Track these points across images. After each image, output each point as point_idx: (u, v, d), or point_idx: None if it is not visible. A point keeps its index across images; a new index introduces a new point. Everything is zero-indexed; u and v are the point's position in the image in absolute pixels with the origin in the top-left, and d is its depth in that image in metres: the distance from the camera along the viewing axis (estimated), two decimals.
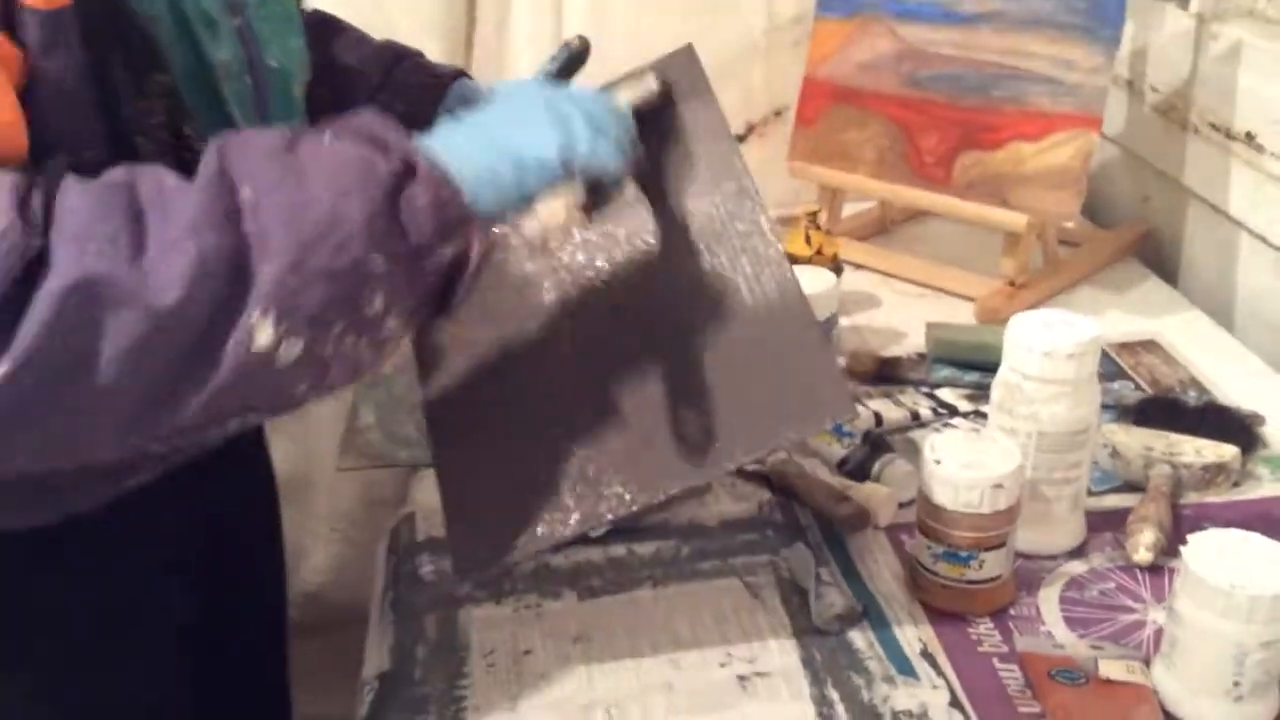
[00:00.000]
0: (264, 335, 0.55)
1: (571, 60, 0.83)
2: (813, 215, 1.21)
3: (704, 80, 0.80)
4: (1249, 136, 1.21)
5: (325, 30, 0.93)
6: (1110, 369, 1.11)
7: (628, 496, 0.74)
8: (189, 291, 0.53)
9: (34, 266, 0.52)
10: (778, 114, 1.60)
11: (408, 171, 0.60)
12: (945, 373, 1.11)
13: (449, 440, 0.82)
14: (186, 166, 0.65)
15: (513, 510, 0.76)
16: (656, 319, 0.78)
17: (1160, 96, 1.37)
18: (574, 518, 0.74)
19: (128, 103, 0.63)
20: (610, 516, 0.74)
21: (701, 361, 0.75)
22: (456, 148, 0.63)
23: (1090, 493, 0.91)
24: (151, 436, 0.58)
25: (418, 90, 0.93)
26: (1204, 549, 0.70)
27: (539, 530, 0.75)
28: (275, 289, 0.55)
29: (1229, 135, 1.24)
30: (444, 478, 0.81)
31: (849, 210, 1.46)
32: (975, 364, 1.09)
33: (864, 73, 1.36)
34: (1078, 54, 1.20)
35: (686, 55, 0.81)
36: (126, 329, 0.53)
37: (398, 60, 0.95)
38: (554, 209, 0.66)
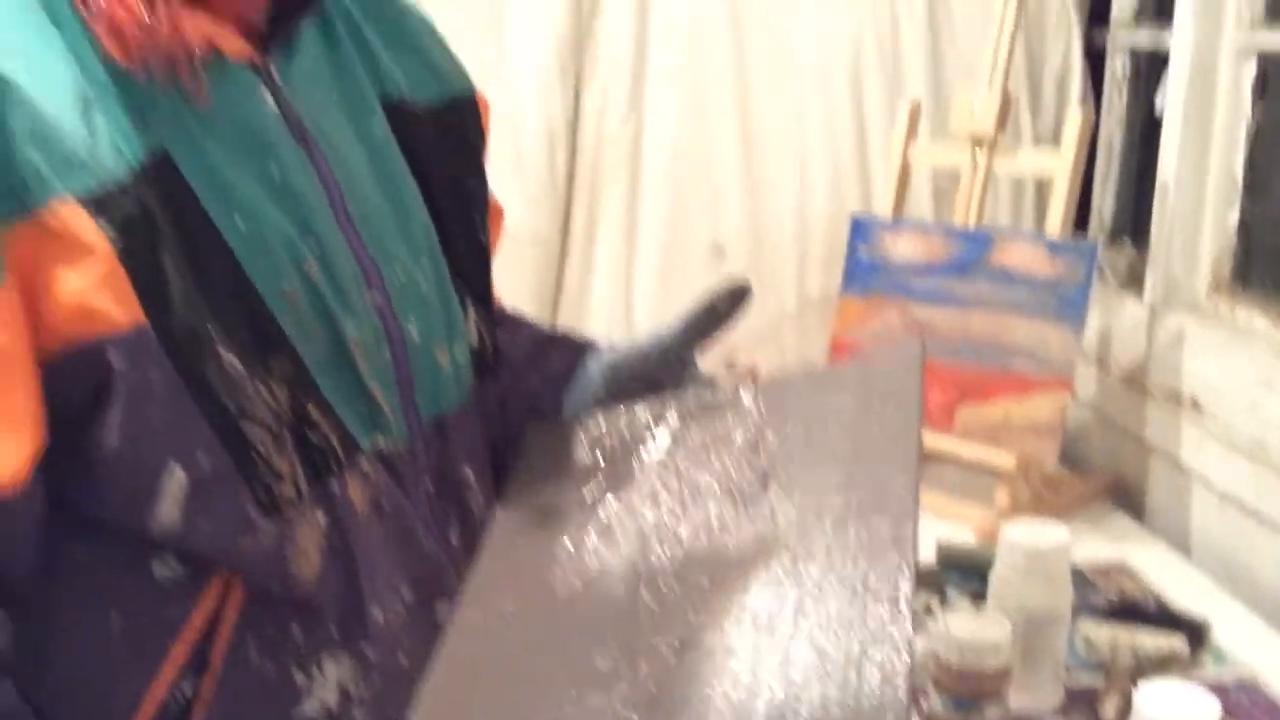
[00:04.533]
0: None
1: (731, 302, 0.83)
2: None
3: (914, 385, 0.75)
4: (1194, 402, 1.51)
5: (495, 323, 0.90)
6: (1084, 583, 1.36)
7: None
8: None
9: None
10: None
11: None
12: (952, 579, 1.36)
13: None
14: (309, 447, 0.65)
15: None
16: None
17: (1123, 369, 1.68)
18: None
19: (237, 395, 0.62)
20: None
21: None
22: None
23: (1068, 670, 1.14)
24: None
25: (554, 369, 0.91)
26: (1151, 693, 0.94)
27: None
28: None
29: (1179, 401, 1.54)
30: None
31: None
32: (976, 573, 1.34)
33: (880, 341, 1.68)
34: (1051, 334, 1.52)
35: (910, 358, 0.78)
36: None
37: (550, 344, 0.93)
38: None
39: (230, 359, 0.62)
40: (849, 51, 1.88)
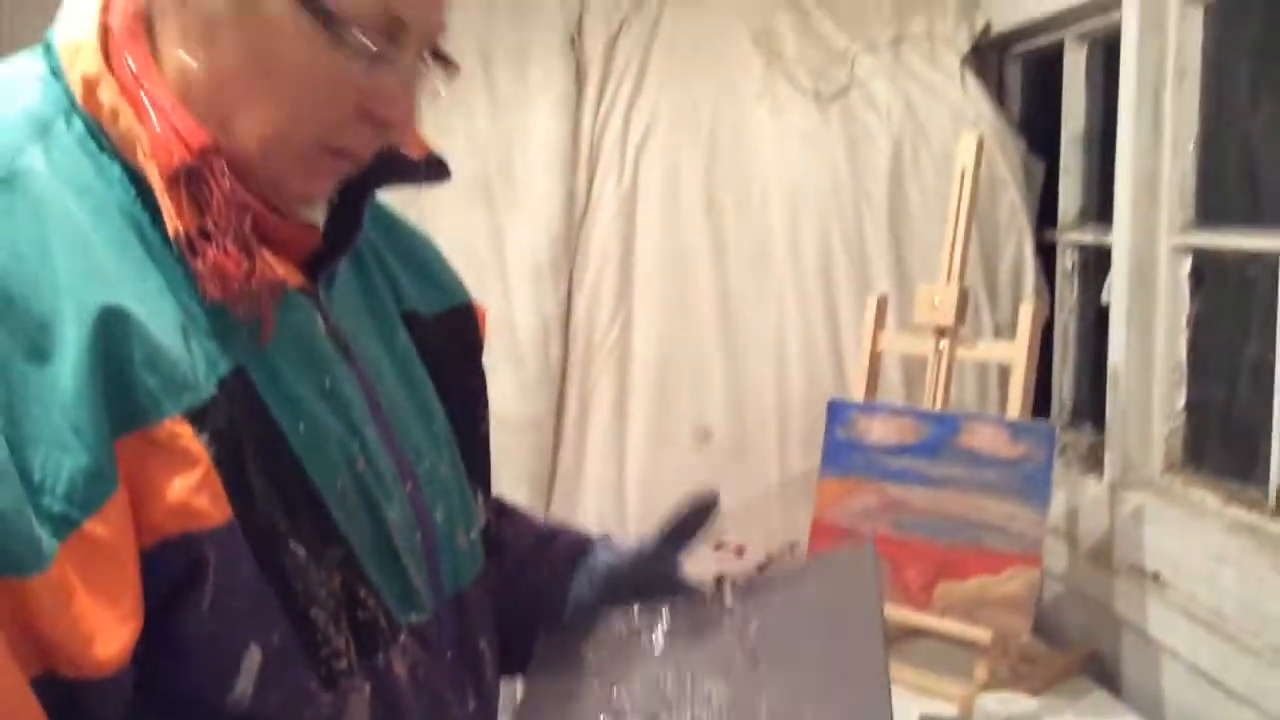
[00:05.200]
0: None
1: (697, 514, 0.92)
2: None
3: (871, 573, 0.85)
4: (1156, 576, 1.59)
5: (498, 512, 0.99)
6: None
7: None
8: None
9: None
10: (792, 548, 1.99)
11: None
12: None
13: None
14: (360, 626, 0.74)
15: None
16: None
17: (1090, 546, 1.76)
18: None
19: (304, 581, 0.70)
20: None
21: None
22: None
23: None
24: None
25: (556, 564, 0.98)
26: None
27: None
28: None
29: (1143, 575, 1.62)
30: None
31: None
32: None
33: (859, 519, 1.77)
34: (1018, 512, 1.61)
35: (863, 555, 0.89)
36: None
37: (551, 539, 1.01)
38: None
39: (298, 549, 0.70)
40: (819, 245, 2.04)
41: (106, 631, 0.62)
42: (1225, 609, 1.44)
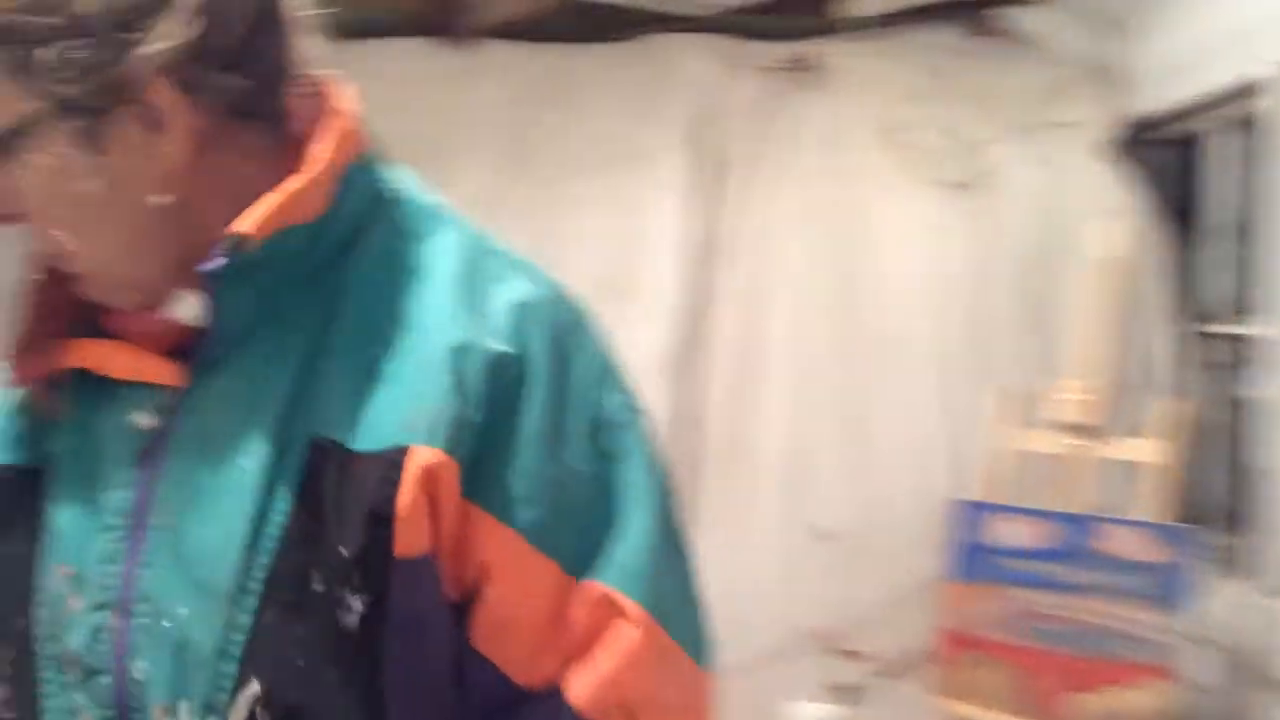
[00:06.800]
0: None
1: None
2: None
3: None
4: None
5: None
6: None
7: None
8: None
9: None
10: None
11: None
12: None
13: None
14: None
15: None
16: None
17: (1241, 656, 1.64)
18: None
19: None
20: None
21: None
22: None
23: None
24: None
25: None
26: None
27: None
28: None
29: None
30: None
31: None
32: None
33: (988, 625, 1.69)
34: (1153, 620, 1.52)
35: None
36: None
37: None
38: None
39: None
40: (948, 338, 1.99)
41: None
42: None
